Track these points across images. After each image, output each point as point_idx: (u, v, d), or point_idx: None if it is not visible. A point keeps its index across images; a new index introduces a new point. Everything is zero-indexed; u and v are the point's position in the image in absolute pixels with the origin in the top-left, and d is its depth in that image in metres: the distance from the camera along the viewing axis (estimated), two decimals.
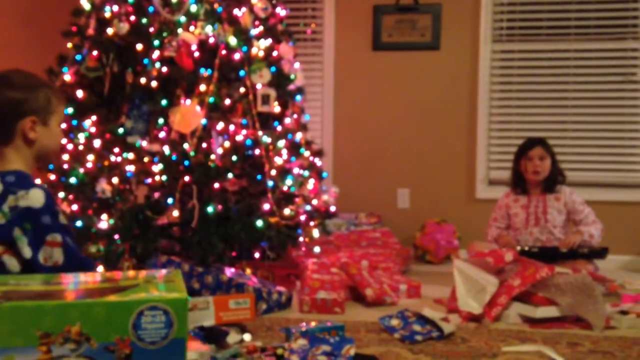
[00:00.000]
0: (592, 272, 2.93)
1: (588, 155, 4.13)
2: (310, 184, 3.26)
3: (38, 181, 1.71)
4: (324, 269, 2.85)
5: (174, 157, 2.91)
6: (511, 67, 4.22)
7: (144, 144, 2.98)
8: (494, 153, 4.25)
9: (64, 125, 3.08)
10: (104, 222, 2.93)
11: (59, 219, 1.64)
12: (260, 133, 3.02)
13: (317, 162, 3.40)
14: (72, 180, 3.08)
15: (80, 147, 3.13)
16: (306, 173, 3.22)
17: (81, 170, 3.08)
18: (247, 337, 2.12)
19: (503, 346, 2.12)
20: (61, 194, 3.09)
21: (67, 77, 3.09)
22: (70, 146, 3.15)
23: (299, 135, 3.25)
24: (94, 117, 3.10)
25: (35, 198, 1.61)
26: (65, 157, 3.14)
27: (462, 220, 4.10)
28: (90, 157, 3.07)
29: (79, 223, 3.00)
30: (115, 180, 3.00)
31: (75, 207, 3.05)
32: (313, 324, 2.13)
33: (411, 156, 4.33)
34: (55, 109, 1.75)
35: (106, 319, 0.97)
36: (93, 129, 3.09)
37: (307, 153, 3.29)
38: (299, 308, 2.65)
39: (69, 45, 3.16)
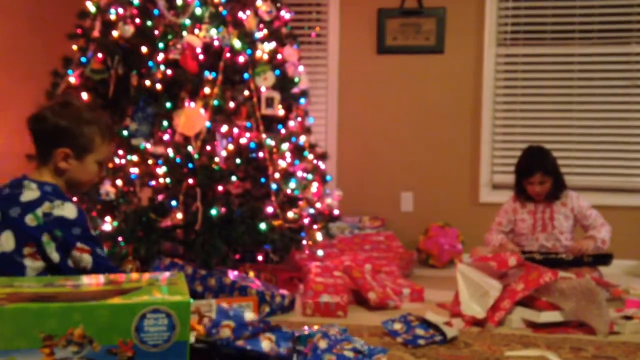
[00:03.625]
0: (596, 278, 2.92)
1: (592, 160, 4.12)
2: (314, 187, 3.26)
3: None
4: (327, 272, 2.85)
5: (178, 159, 2.92)
6: (515, 71, 4.22)
7: (148, 146, 2.98)
8: (498, 157, 4.25)
9: None
10: (108, 225, 2.94)
11: (89, 231, 1.71)
12: (264, 136, 3.03)
13: (321, 165, 3.39)
14: None
15: None
16: (310, 176, 3.22)
17: None
18: None
19: (506, 351, 2.12)
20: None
21: (72, 80, 3.10)
22: None
23: (302, 138, 3.25)
24: None
25: (69, 210, 1.68)
26: None
27: (465, 224, 4.09)
28: None
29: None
30: (119, 182, 3.01)
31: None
32: (316, 327, 2.13)
33: (415, 160, 4.32)
34: (96, 148, 1.78)
35: (109, 321, 0.97)
36: None
37: (310, 156, 3.29)
38: (302, 311, 2.65)
39: (74, 47, 3.18)
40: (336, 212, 3.43)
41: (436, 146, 4.30)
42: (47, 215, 1.65)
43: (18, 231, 1.65)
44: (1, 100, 3.30)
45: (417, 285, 3.03)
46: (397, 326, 2.29)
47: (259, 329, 1.70)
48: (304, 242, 3.20)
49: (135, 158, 2.99)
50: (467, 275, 2.64)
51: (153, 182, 2.96)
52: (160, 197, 2.95)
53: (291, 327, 2.37)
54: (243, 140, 2.99)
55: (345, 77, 4.37)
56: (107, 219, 2.95)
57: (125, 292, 1.03)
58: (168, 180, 2.93)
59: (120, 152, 3.03)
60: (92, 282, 1.17)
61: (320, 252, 3.27)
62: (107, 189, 3.03)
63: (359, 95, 4.36)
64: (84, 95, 3.08)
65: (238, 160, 2.98)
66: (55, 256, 1.65)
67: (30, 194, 1.68)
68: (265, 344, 1.68)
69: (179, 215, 2.90)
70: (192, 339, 1.65)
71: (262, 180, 3.05)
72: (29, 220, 1.65)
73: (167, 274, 1.26)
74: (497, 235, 3.28)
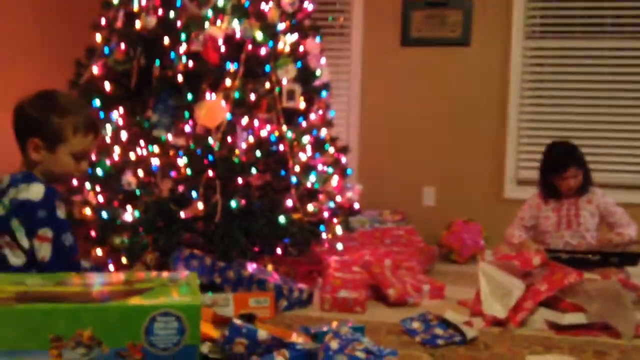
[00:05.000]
0: (623, 279, 2.84)
1: (619, 157, 4.03)
2: (334, 180, 3.23)
3: None
4: (346, 267, 2.82)
5: (198, 151, 2.91)
6: (543, 65, 4.13)
7: (169, 137, 2.98)
8: (523, 152, 4.17)
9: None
10: (129, 215, 2.95)
11: (55, 215, 1.65)
12: (284, 129, 3.00)
13: (342, 158, 3.36)
14: (99, 171, 3.10)
15: (107, 140, 3.15)
16: (330, 170, 3.19)
17: (107, 162, 3.10)
18: None
19: (527, 354, 2.07)
20: (88, 185, 3.12)
21: (95, 70, 3.11)
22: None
23: (323, 132, 3.22)
24: (121, 110, 3.11)
25: (34, 191, 1.64)
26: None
27: (489, 220, 4.03)
28: (117, 149, 3.09)
29: (104, 214, 3.03)
30: (140, 173, 3.00)
31: (101, 198, 3.07)
32: (334, 324, 2.10)
33: (438, 154, 4.27)
34: (67, 139, 1.74)
35: (119, 323, 0.95)
36: (120, 122, 3.11)
37: (331, 149, 3.26)
38: (320, 306, 2.62)
39: (98, 38, 3.18)
40: (356, 205, 3.40)
41: (460, 140, 4.24)
42: (13, 201, 1.63)
43: None
44: (24, 90, 3.30)
45: (438, 282, 2.99)
46: (416, 325, 2.25)
47: (272, 346, 1.69)
48: (324, 235, 3.18)
49: (156, 149, 2.99)
50: (489, 273, 2.59)
51: (174, 173, 2.95)
52: (180, 188, 2.94)
53: (308, 322, 2.37)
54: (263, 133, 2.97)
55: (369, 70, 4.32)
56: (128, 208, 2.96)
57: (137, 293, 1.01)
58: (188, 171, 2.92)
59: (142, 142, 3.03)
60: (105, 280, 1.15)
61: (339, 246, 3.24)
62: (129, 179, 3.03)
63: (382, 88, 4.31)
64: (107, 86, 3.09)
65: (258, 153, 2.96)
66: (25, 242, 1.62)
67: (1, 186, 1.69)
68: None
69: (199, 207, 2.89)
70: (205, 349, 1.64)
71: (282, 173, 3.03)
72: None
73: (181, 274, 1.24)
74: (518, 231, 3.21)
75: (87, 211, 3.10)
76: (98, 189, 3.08)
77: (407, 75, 4.28)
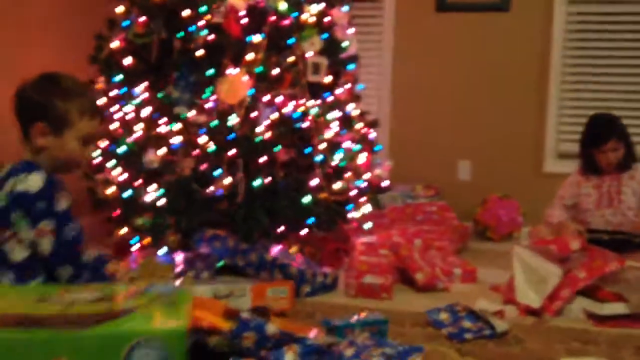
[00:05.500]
0: None
1: None
2: (362, 157, 3.10)
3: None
4: (372, 250, 2.71)
5: (220, 128, 2.81)
6: (588, 31, 3.86)
7: (191, 114, 2.89)
8: (565, 124, 3.95)
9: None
10: (151, 194, 2.88)
11: (55, 206, 1.57)
12: (309, 104, 2.88)
13: (371, 134, 3.23)
14: (121, 149, 3.04)
15: (129, 116, 3.08)
16: (358, 146, 3.06)
17: (130, 139, 3.04)
18: None
19: (562, 353, 1.94)
20: (111, 163, 3.06)
21: (116, 44, 3.02)
22: (119, 114, 3.10)
23: (351, 107, 3.08)
24: (144, 84, 3.03)
25: (32, 182, 1.56)
26: (116, 125, 3.11)
27: (527, 196, 3.84)
28: (139, 126, 3.02)
29: (127, 193, 2.98)
30: (162, 151, 2.93)
31: (123, 177, 3.02)
32: (355, 317, 2.00)
33: (474, 126, 4.08)
34: (74, 124, 1.67)
35: (96, 353, 0.87)
36: (143, 97, 3.03)
37: (360, 125, 3.12)
38: (345, 291, 2.53)
39: (118, 10, 3.07)
40: (385, 183, 3.27)
41: (498, 111, 4.04)
42: (11, 192, 1.55)
43: None
44: (40, 67, 3.23)
45: (470, 265, 2.86)
46: (443, 316, 2.14)
47: (282, 340, 1.60)
48: (351, 215, 3.07)
49: (177, 126, 2.90)
50: (524, 259, 2.44)
51: (195, 152, 2.87)
52: (202, 167, 2.86)
53: (331, 309, 2.28)
54: (287, 109, 2.85)
55: (402, 38, 4.12)
56: (150, 188, 2.89)
57: (117, 315, 0.92)
58: (210, 149, 2.83)
59: (164, 119, 2.95)
60: (87, 296, 1.07)
61: (367, 225, 3.13)
62: (151, 158, 2.97)
63: (415, 57, 4.11)
64: (128, 60, 3.00)
65: (282, 130, 2.85)
66: (28, 235, 1.55)
67: (2, 176, 1.61)
68: (289, 356, 1.57)
69: (221, 186, 2.81)
70: (213, 342, 1.56)
71: (307, 150, 2.92)
72: None
73: (172, 286, 1.15)
74: (558, 211, 3.04)
75: (110, 190, 3.05)
76: (120, 167, 3.04)
77: (443, 43, 4.07)
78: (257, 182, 2.80)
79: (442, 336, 2.03)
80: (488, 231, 3.82)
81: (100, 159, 3.13)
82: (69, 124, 1.67)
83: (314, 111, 2.88)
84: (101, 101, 3.18)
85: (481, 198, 3.90)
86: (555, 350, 1.94)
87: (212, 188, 2.80)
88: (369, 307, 2.33)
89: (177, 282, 2.09)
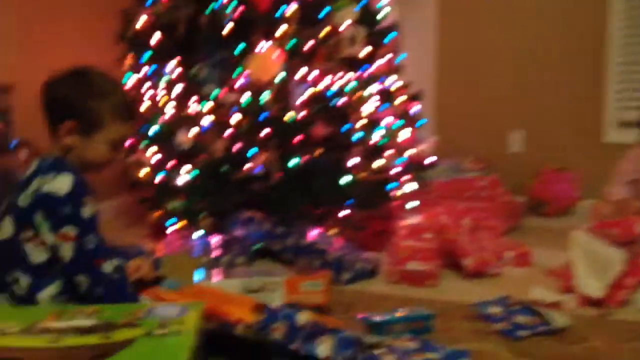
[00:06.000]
0: None
1: None
2: (405, 133, 2.91)
3: None
4: (416, 234, 2.52)
5: (251, 107, 2.66)
6: None
7: (221, 93, 2.75)
8: (627, 90, 3.63)
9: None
10: (183, 177, 2.78)
11: (80, 212, 1.46)
12: (346, 79, 2.69)
13: (414, 107, 3.02)
14: (153, 129, 2.94)
15: (160, 95, 2.97)
16: (400, 122, 2.87)
17: (161, 120, 2.93)
18: None
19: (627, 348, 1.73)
20: (143, 144, 2.97)
21: (142, 20, 2.90)
22: (149, 93, 3.00)
23: (391, 79, 2.88)
24: (174, 62, 2.91)
25: (61, 183, 1.45)
26: (146, 105, 3.01)
27: (585, 168, 3.57)
28: (170, 105, 2.90)
29: (159, 177, 2.89)
30: (193, 131, 2.81)
31: (156, 158, 2.92)
32: (399, 312, 1.85)
33: (527, 93, 3.81)
34: (105, 126, 1.55)
35: None
36: (173, 75, 2.91)
37: (401, 98, 2.92)
38: (387, 278, 2.37)
39: None
40: (430, 159, 3.07)
41: (553, 77, 3.75)
42: (37, 192, 1.45)
43: (15, 214, 1.48)
44: (63, 45, 3.13)
45: (523, 248, 2.65)
46: (494, 310, 1.95)
47: (315, 332, 1.45)
48: (393, 194, 2.89)
49: (207, 106, 2.77)
50: (583, 244, 2.22)
51: (227, 132, 2.73)
52: (235, 148, 2.73)
53: (372, 300, 2.13)
54: (322, 85, 2.67)
55: (448, 3, 3.86)
56: (183, 170, 2.78)
57: (111, 350, 0.79)
58: (242, 129, 2.70)
59: (193, 99, 2.82)
60: (81, 323, 0.94)
61: (411, 205, 2.94)
62: (182, 139, 2.85)
63: (463, 22, 3.85)
64: (156, 37, 2.87)
65: (317, 108, 2.68)
66: (49, 238, 1.45)
67: (28, 171, 1.51)
68: (323, 348, 1.43)
69: (255, 167, 2.68)
70: (239, 330, 1.45)
71: (345, 129, 2.74)
72: (22, 200, 1.47)
73: (177, 310, 1.01)
74: (618, 188, 2.78)
75: (143, 172, 2.97)
76: (153, 148, 2.94)
77: (492, 5, 3.79)
78: (292, 162, 2.65)
79: (493, 332, 1.85)
80: (542, 207, 3.58)
81: (132, 140, 3.05)
82: (100, 126, 1.56)
83: (351, 86, 2.69)
84: (131, 80, 3.09)
85: (535, 171, 3.65)
86: (621, 349, 1.74)
87: (246, 169, 2.68)
88: (413, 296, 2.18)
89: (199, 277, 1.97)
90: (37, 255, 1.45)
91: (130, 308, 1.08)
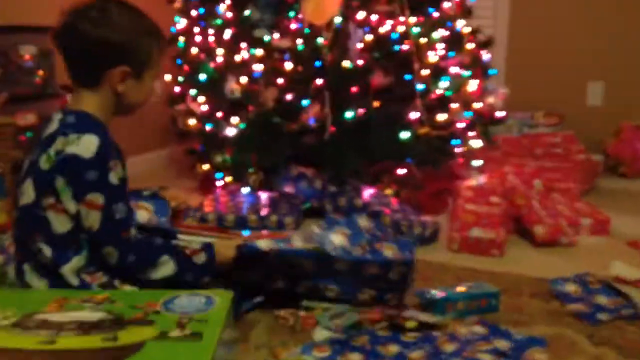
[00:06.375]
0: None
1: None
2: (473, 84, 2.65)
3: None
4: (481, 197, 2.30)
5: (305, 54, 2.46)
6: None
7: (274, 38, 2.55)
8: None
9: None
10: (232, 128, 2.62)
11: (107, 178, 1.31)
12: (410, 23, 2.44)
13: (484, 55, 2.74)
14: (202, 76, 2.79)
15: (210, 39, 2.80)
16: (468, 72, 2.61)
17: (211, 66, 2.77)
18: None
19: None
20: (192, 92, 2.83)
21: None
22: (199, 38, 2.83)
23: (460, 23, 2.60)
24: (225, 4, 2.72)
25: (85, 146, 1.29)
26: (195, 50, 2.85)
27: None
28: (219, 52, 2.73)
29: (208, 127, 2.75)
30: (244, 79, 2.63)
31: (205, 107, 2.78)
32: (460, 287, 1.66)
33: (608, 41, 3.45)
34: (154, 63, 1.42)
35: None
36: (225, 18, 2.72)
37: (470, 45, 2.65)
38: (447, 245, 2.17)
39: None
40: (499, 113, 2.81)
41: (637, 22, 3.37)
42: (59, 154, 1.29)
43: (36, 177, 1.33)
44: None
45: (601, 214, 2.39)
46: (571, 288, 1.73)
47: (376, 237, 1.45)
48: (457, 151, 2.66)
49: (259, 52, 2.58)
50: None
51: (279, 81, 2.54)
52: (286, 98, 2.54)
53: (430, 270, 1.94)
54: (383, 29, 2.43)
55: None
56: (233, 120, 2.63)
57: (114, 357, 0.64)
58: (296, 78, 2.50)
59: (243, 44, 2.63)
60: (85, 317, 0.79)
61: (477, 164, 2.71)
62: (232, 87, 2.68)
63: None
64: None
65: (377, 55, 2.45)
66: (71, 207, 1.31)
67: (49, 129, 1.34)
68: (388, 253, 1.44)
69: (308, 120, 2.49)
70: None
71: (407, 78, 2.51)
72: (43, 162, 1.31)
73: (202, 299, 0.85)
74: None
75: (191, 122, 2.84)
76: (201, 97, 2.79)
77: None
78: (348, 115, 2.45)
79: (568, 315, 1.64)
80: (621, 166, 3.28)
81: (180, 88, 2.92)
82: (149, 65, 1.41)
83: (415, 30, 2.44)
84: (180, 24, 2.93)
85: (614, 127, 3.33)
86: None
87: (297, 121, 2.50)
88: (476, 267, 1.98)
89: None
90: (59, 224, 1.31)
91: (147, 297, 0.93)
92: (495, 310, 1.64)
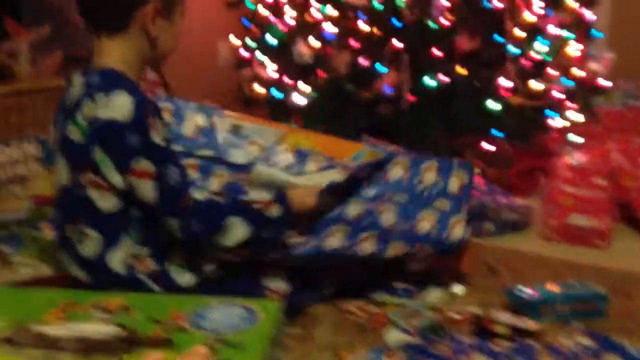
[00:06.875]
0: None
1: None
2: (573, 47, 2.34)
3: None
4: (582, 177, 2.00)
5: (383, 13, 2.23)
6: None
7: None
8: None
9: None
10: (301, 95, 2.44)
11: (150, 138, 1.12)
12: None
13: (587, 14, 2.43)
14: (271, 40, 2.60)
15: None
16: (568, 33, 2.31)
17: (280, 28, 2.58)
18: (458, 289, 1.50)
19: None
20: (260, 56, 2.65)
21: None
22: None
23: None
24: None
25: (118, 107, 1.10)
26: (264, 11, 2.66)
27: None
28: (290, 10, 2.53)
29: (276, 93, 2.57)
30: (314, 42, 2.43)
31: (272, 73, 2.60)
32: (556, 286, 1.41)
33: None
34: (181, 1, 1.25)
35: None
36: None
37: (572, 3, 2.34)
38: (541, 233, 1.90)
39: None
40: (603, 82, 2.48)
41: None
42: (92, 121, 1.12)
43: (67, 154, 1.16)
44: None
45: None
46: None
47: None
48: (552, 125, 2.37)
49: (331, 11, 2.36)
50: None
51: (353, 43, 2.33)
52: (361, 62, 2.32)
53: (521, 259, 1.70)
54: None
55: None
56: (302, 88, 2.44)
57: None
58: (371, 40, 2.28)
59: (315, 3, 2.42)
60: (93, 332, 0.62)
61: (576, 139, 2.40)
62: (301, 50, 2.49)
63: None
64: None
65: (464, 12, 2.18)
66: (117, 180, 1.13)
67: (72, 94, 1.16)
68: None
69: (384, 87, 2.28)
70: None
71: (497, 39, 2.23)
72: (72, 133, 1.14)
73: (241, 312, 0.66)
74: None
75: (258, 88, 2.67)
76: (269, 62, 2.61)
77: None
78: (429, 82, 2.22)
79: None
80: None
81: (247, 52, 2.75)
82: (177, 1, 1.24)
83: None
84: None
85: None
86: None
87: (372, 89, 2.28)
88: (576, 260, 1.72)
89: None
90: (104, 202, 1.15)
91: (173, 304, 0.74)
92: (602, 315, 1.39)
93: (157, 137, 1.14)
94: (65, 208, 1.20)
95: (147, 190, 1.13)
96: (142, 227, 1.18)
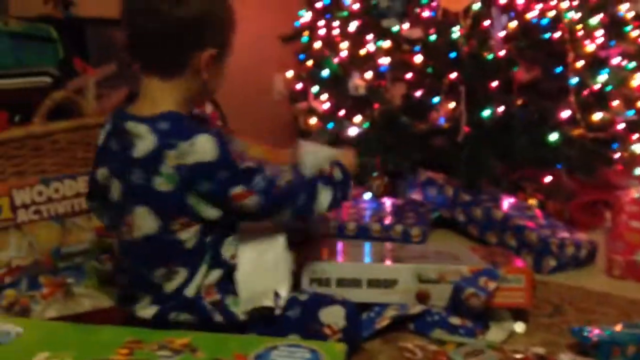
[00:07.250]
0: None
1: None
2: (638, 78, 2.27)
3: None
4: None
5: (438, 45, 2.21)
6: None
7: (403, 27, 2.32)
8: None
9: None
10: (354, 128, 2.43)
11: (236, 168, 1.18)
12: (563, 6, 2.11)
13: None
14: (325, 72, 2.62)
15: (335, 32, 2.62)
16: (632, 64, 2.24)
17: (335, 61, 2.60)
18: (520, 327, 1.44)
19: None
20: (314, 89, 2.67)
21: None
22: (323, 31, 2.67)
23: (624, 7, 2.23)
24: None
25: (203, 150, 1.13)
26: (319, 44, 2.69)
27: None
28: (345, 44, 2.55)
29: (330, 126, 2.58)
30: (369, 75, 2.43)
31: (327, 105, 2.61)
32: (624, 326, 1.34)
33: None
34: (231, 44, 1.26)
35: None
36: (351, 9, 2.54)
37: (635, 33, 2.27)
38: (606, 270, 1.82)
39: None
40: None
41: None
42: (180, 169, 1.13)
43: (155, 204, 1.16)
44: None
45: None
46: None
47: None
48: (617, 156, 2.29)
49: (386, 44, 2.36)
50: None
51: (408, 75, 2.31)
52: (416, 95, 2.31)
53: (588, 298, 1.62)
54: (531, 15, 2.12)
55: None
56: (356, 119, 2.44)
57: None
58: (426, 72, 2.26)
59: (369, 36, 2.42)
60: None
61: None
62: (357, 83, 2.50)
63: None
64: None
65: (522, 44, 2.15)
66: (211, 213, 1.18)
67: (142, 145, 1.14)
68: None
69: (439, 119, 2.25)
70: None
71: (557, 70, 2.18)
72: (159, 184, 1.14)
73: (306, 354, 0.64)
74: None
75: (312, 121, 2.68)
76: (324, 94, 2.63)
77: None
78: (485, 113, 2.17)
79: None
80: None
81: (302, 85, 2.77)
82: (230, 46, 1.26)
83: (569, 15, 2.10)
84: (305, 17, 2.78)
85: None
86: None
87: (427, 121, 2.25)
88: None
89: None
90: (190, 238, 1.19)
91: (236, 345, 0.73)
92: None
93: (240, 164, 1.19)
94: (151, 255, 1.21)
95: (251, 206, 1.19)
96: (213, 254, 1.22)
